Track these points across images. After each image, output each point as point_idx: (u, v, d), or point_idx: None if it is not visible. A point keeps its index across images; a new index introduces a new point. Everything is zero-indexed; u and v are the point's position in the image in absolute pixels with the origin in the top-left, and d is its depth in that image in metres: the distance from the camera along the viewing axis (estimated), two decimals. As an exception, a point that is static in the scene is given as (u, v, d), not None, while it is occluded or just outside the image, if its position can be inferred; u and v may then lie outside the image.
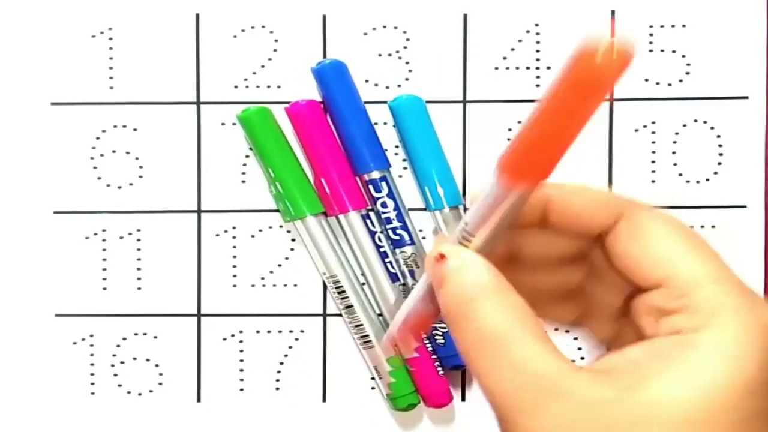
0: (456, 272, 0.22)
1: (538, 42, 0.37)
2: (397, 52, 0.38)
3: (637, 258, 0.22)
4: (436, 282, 0.22)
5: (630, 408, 0.20)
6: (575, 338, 0.38)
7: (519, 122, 0.38)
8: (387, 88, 0.38)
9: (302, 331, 0.38)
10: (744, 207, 0.38)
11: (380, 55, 0.38)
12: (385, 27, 0.38)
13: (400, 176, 0.38)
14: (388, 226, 0.36)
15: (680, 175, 0.38)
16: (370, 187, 0.36)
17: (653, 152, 0.38)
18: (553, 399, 0.20)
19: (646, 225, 0.22)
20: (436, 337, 0.37)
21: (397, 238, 0.36)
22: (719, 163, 0.38)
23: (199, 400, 0.38)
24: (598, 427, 0.20)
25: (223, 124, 0.38)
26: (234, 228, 0.38)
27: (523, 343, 0.21)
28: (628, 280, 0.23)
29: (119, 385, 0.38)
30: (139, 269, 0.38)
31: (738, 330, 0.20)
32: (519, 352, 0.21)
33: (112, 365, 0.38)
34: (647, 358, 0.21)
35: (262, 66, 0.38)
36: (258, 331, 0.38)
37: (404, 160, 0.37)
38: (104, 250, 0.38)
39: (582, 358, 0.38)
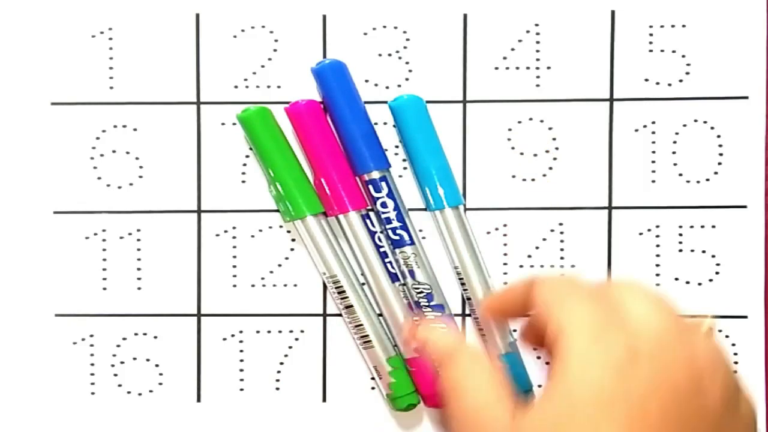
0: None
1: (538, 42, 0.37)
2: (397, 52, 0.38)
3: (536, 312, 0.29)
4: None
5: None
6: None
7: (519, 122, 0.38)
8: (387, 88, 0.38)
9: (302, 331, 0.38)
10: (744, 207, 0.38)
11: (380, 55, 0.38)
12: (385, 27, 0.38)
13: (400, 176, 0.38)
14: (388, 226, 0.36)
15: (680, 175, 0.38)
16: (370, 187, 0.36)
17: (653, 152, 0.38)
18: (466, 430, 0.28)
19: (539, 287, 0.29)
20: (436, 337, 0.37)
21: (397, 238, 0.36)
22: (719, 163, 0.38)
23: (199, 400, 0.38)
24: None
25: (223, 124, 0.38)
26: (234, 228, 0.38)
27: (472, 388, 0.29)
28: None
29: (119, 385, 0.38)
30: (139, 269, 0.38)
31: (571, 369, 0.26)
32: (470, 396, 0.29)
33: (112, 365, 0.38)
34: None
35: (262, 66, 0.38)
36: (258, 331, 0.38)
37: (404, 160, 0.37)
38: (104, 250, 0.38)
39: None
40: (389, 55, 0.38)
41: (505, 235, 0.38)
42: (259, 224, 0.38)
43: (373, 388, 0.38)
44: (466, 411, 0.28)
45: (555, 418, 0.26)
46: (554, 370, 0.27)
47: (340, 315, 0.37)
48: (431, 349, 0.31)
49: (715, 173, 0.38)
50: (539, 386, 0.38)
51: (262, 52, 0.38)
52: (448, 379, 0.30)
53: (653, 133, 0.38)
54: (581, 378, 0.26)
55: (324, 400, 0.38)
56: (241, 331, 0.38)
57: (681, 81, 0.37)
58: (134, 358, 0.38)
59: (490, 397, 0.28)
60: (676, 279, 0.38)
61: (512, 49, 0.38)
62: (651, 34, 0.37)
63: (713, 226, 0.38)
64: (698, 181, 0.38)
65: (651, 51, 0.37)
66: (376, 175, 0.36)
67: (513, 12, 0.37)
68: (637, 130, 0.38)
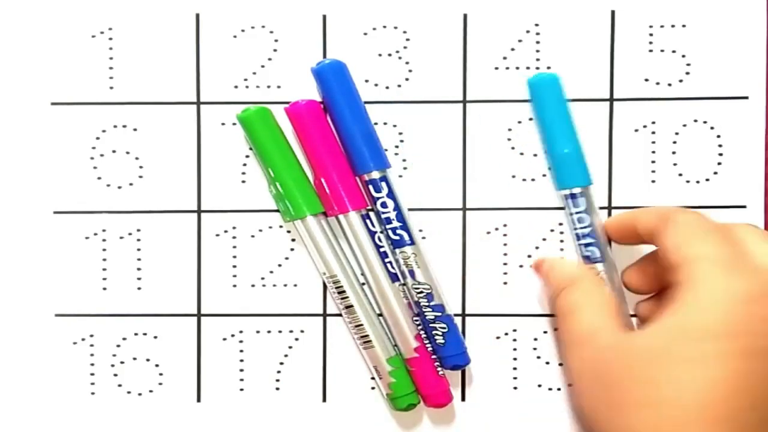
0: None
1: (538, 42, 0.37)
2: (397, 52, 0.38)
3: (661, 245, 0.31)
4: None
5: (618, 347, 0.29)
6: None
7: (519, 122, 0.38)
8: (387, 88, 0.38)
9: (302, 331, 0.38)
10: (744, 207, 0.38)
11: (380, 55, 0.38)
12: (385, 27, 0.38)
13: (400, 176, 0.38)
14: (388, 226, 0.36)
15: (680, 175, 0.38)
16: (370, 187, 0.36)
17: (653, 152, 0.38)
18: (579, 347, 0.31)
19: (672, 221, 0.31)
20: (436, 337, 0.37)
21: (397, 238, 0.36)
22: (719, 163, 0.38)
23: (199, 400, 0.38)
24: (601, 361, 0.29)
25: (223, 124, 0.38)
26: (234, 228, 0.38)
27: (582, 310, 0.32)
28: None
29: (119, 385, 0.38)
30: (139, 269, 0.38)
31: (696, 296, 0.27)
32: (586, 316, 0.32)
33: (112, 365, 0.38)
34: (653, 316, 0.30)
35: (262, 66, 0.38)
36: (258, 331, 0.38)
37: (404, 160, 0.37)
38: (104, 250, 0.38)
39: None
40: (389, 55, 0.38)
41: (505, 235, 0.38)
42: (259, 224, 0.38)
43: (373, 388, 0.38)
44: (580, 331, 0.31)
45: (666, 342, 0.27)
46: (673, 298, 0.28)
47: (340, 315, 0.37)
48: (555, 274, 0.34)
49: (715, 173, 0.38)
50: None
51: (262, 52, 0.38)
52: (567, 301, 0.33)
53: (653, 133, 0.38)
54: (706, 307, 0.27)
55: (324, 400, 0.38)
56: (241, 331, 0.38)
57: (681, 81, 0.37)
58: (134, 358, 0.38)
59: (604, 319, 0.31)
60: (676, 279, 0.38)
61: (512, 49, 0.38)
62: (651, 34, 0.37)
63: (713, 226, 0.38)
64: (698, 181, 0.38)
65: (651, 51, 0.37)
66: (376, 175, 0.36)
67: (513, 12, 0.37)
68: (637, 130, 0.38)
